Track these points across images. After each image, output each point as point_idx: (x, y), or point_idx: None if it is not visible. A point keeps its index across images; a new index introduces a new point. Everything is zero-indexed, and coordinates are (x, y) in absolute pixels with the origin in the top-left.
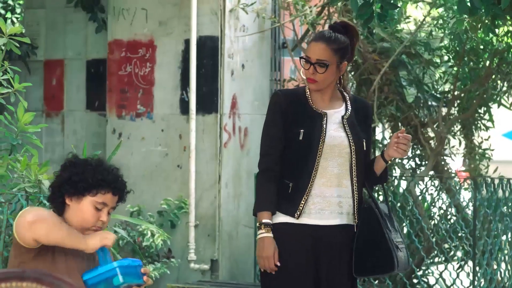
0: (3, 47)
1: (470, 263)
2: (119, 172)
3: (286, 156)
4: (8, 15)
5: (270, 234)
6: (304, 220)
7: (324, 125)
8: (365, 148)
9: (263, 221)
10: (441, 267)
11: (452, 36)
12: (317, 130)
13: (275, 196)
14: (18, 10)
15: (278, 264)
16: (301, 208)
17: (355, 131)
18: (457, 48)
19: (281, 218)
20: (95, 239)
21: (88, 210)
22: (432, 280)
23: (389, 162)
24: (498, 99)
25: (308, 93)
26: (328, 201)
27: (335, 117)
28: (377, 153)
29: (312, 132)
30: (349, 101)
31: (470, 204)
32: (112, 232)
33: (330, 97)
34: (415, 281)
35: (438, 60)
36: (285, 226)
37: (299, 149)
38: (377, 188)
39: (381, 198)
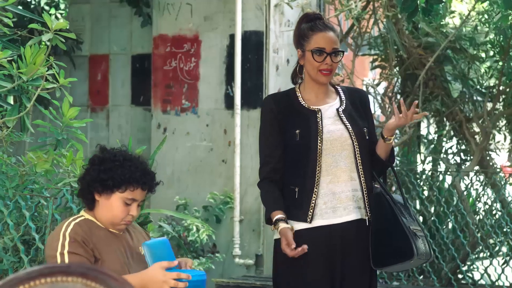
0: (48, 43)
1: None
2: (147, 165)
3: (287, 160)
4: (52, 11)
5: (287, 225)
6: (318, 222)
7: (320, 121)
8: (367, 137)
9: (277, 217)
10: (486, 262)
11: (497, 31)
12: (312, 127)
13: (281, 198)
14: (62, 6)
15: (294, 245)
16: (311, 210)
17: (353, 121)
18: (502, 43)
19: (294, 226)
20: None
21: (117, 206)
22: (477, 276)
23: (390, 140)
24: None
25: (299, 93)
26: (339, 198)
27: (330, 112)
28: (422, 148)
29: (308, 131)
30: (342, 93)
31: None
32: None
33: (325, 92)
34: (460, 276)
35: (483, 55)
36: (298, 234)
37: (298, 150)
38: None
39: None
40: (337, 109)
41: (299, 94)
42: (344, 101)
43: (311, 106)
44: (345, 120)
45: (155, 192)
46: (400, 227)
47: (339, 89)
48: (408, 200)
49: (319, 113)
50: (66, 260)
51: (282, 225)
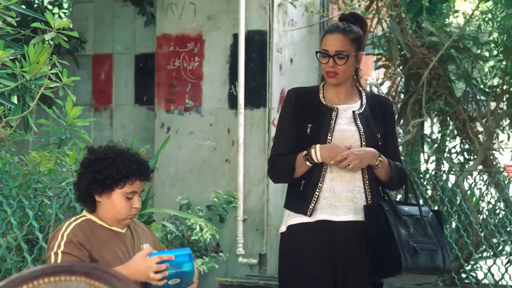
0: (51, 41)
1: None
2: (139, 155)
3: (297, 153)
4: (56, 10)
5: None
6: (317, 216)
7: (333, 119)
8: (380, 143)
9: (303, 156)
10: (490, 262)
11: (501, 30)
12: (325, 124)
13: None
14: (65, 5)
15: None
16: (313, 204)
17: (368, 125)
18: (506, 42)
19: (296, 219)
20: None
21: (120, 202)
22: (480, 275)
23: (376, 167)
24: None
25: (321, 89)
26: (339, 197)
27: (347, 113)
28: (426, 148)
29: (320, 126)
30: (364, 98)
31: None
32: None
33: (346, 93)
34: (463, 275)
35: (486, 54)
36: (299, 228)
37: (308, 144)
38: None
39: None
40: (354, 112)
41: (321, 92)
42: (364, 105)
43: (329, 104)
44: (359, 123)
45: (151, 179)
46: (393, 240)
47: (363, 93)
48: (412, 200)
49: (335, 112)
50: (59, 260)
51: (312, 148)
